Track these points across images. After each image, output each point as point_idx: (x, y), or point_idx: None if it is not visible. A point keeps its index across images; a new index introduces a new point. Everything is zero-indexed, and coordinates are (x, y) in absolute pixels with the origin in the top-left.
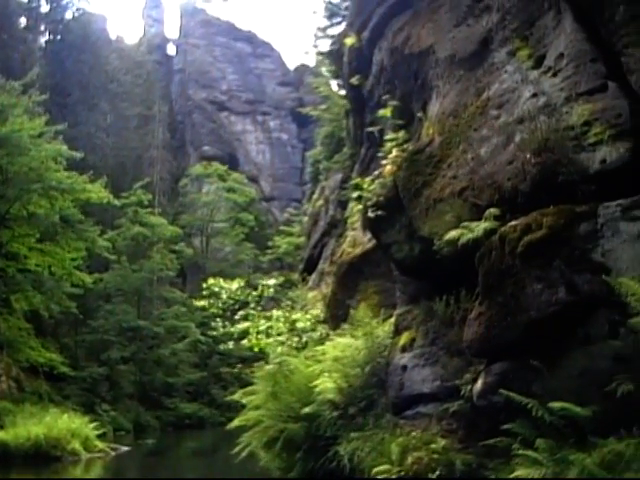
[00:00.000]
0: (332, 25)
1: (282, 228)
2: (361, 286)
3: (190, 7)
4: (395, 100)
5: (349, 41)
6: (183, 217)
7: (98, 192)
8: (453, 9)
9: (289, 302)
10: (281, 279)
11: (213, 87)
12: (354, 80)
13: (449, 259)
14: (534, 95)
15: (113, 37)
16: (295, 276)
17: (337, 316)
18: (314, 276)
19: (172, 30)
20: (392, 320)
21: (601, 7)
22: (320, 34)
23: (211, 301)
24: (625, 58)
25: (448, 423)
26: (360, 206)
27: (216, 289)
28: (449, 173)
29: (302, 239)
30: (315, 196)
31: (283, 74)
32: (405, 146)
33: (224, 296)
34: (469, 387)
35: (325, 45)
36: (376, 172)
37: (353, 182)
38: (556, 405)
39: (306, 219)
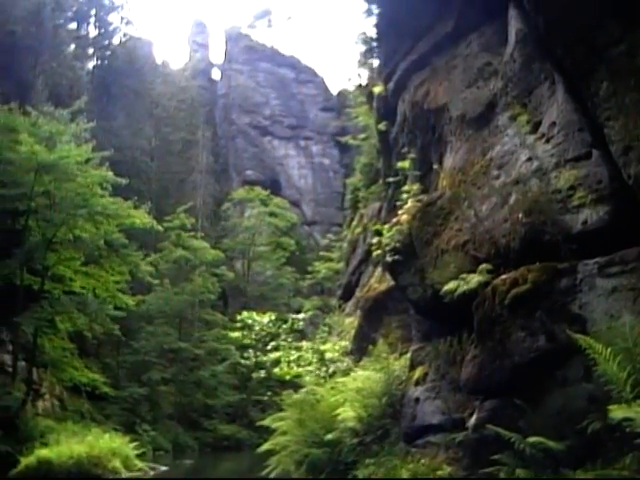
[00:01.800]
0: (371, 56)
1: (322, 253)
2: (385, 320)
3: (234, 33)
4: (416, 150)
5: (377, 89)
6: (225, 241)
7: (142, 217)
8: (466, 70)
9: (326, 328)
10: (319, 304)
11: (256, 112)
12: (382, 126)
13: (453, 305)
14: (529, 159)
15: (159, 62)
16: (334, 301)
17: (362, 348)
18: (351, 303)
19: (217, 55)
20: (408, 355)
21: (588, 82)
22: (361, 62)
23: (245, 332)
24: (607, 129)
25: (454, 452)
26: (379, 251)
27: (249, 321)
28: (455, 226)
29: (341, 265)
30: (354, 223)
31: (325, 99)
32: (420, 197)
33: (257, 328)
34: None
35: (364, 74)
36: (394, 220)
37: (374, 228)
38: (532, 440)
39: (345, 245)
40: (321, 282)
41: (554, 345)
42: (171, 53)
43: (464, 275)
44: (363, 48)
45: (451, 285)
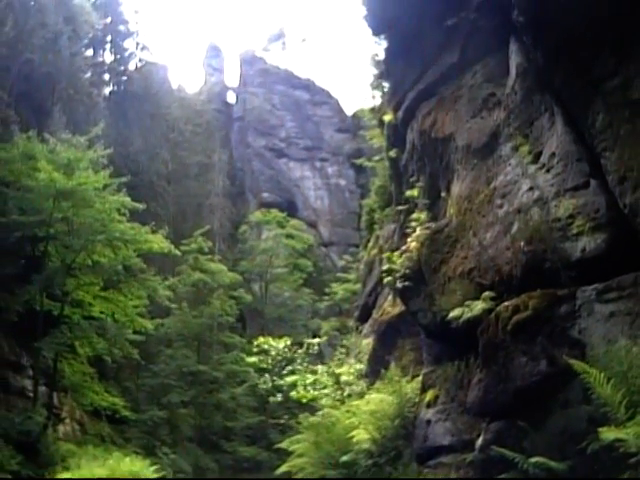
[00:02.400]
0: (383, 79)
1: (339, 275)
2: (399, 343)
3: (249, 56)
4: (425, 177)
5: (387, 117)
6: (242, 263)
7: (160, 242)
8: (470, 101)
9: (343, 350)
10: (337, 325)
11: (272, 134)
12: (392, 153)
13: (460, 330)
14: (530, 188)
15: (175, 86)
16: (351, 322)
17: (376, 371)
18: (368, 324)
19: (232, 79)
20: (420, 378)
21: (585, 114)
22: (373, 84)
23: (261, 357)
24: (604, 160)
25: (465, 472)
26: (390, 277)
27: (266, 347)
28: (461, 253)
29: (358, 286)
30: (370, 244)
31: (341, 121)
32: (428, 225)
33: (273, 353)
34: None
35: (378, 96)
36: (404, 247)
37: (385, 255)
38: (534, 460)
39: (362, 267)
40: (339, 303)
41: (555, 369)
42: (186, 77)
43: (469, 302)
44: (375, 71)
45: (456, 312)
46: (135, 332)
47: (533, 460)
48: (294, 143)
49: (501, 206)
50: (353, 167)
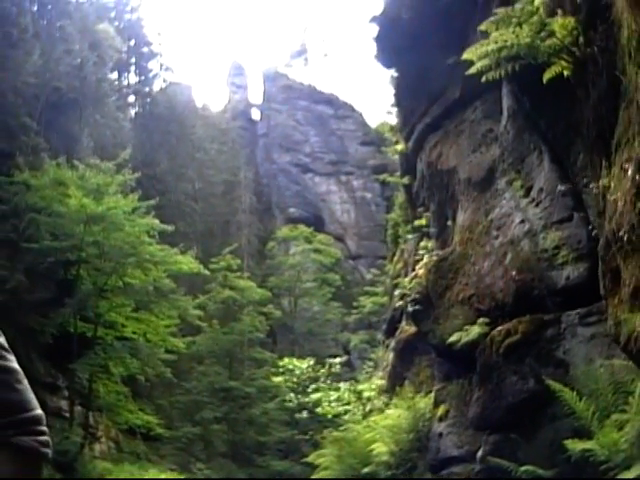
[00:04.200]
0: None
1: (367, 288)
2: (416, 360)
3: (272, 72)
4: (434, 204)
5: (399, 147)
6: (271, 279)
7: (189, 263)
8: (471, 136)
9: (372, 363)
10: (366, 338)
11: (297, 150)
12: (405, 180)
13: (462, 352)
14: (522, 221)
15: (199, 105)
16: (380, 335)
17: (396, 386)
18: (394, 338)
19: (256, 96)
20: (432, 394)
21: (568, 153)
22: (394, 103)
23: (286, 377)
24: (585, 195)
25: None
26: (402, 301)
27: (290, 367)
28: (463, 280)
29: (385, 299)
30: (396, 258)
31: (364, 134)
32: (435, 252)
33: (297, 372)
34: None
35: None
36: (413, 273)
37: (396, 282)
38: (524, 468)
39: (388, 280)
40: (367, 316)
41: (542, 387)
42: (211, 96)
43: (467, 326)
44: (394, 90)
45: (455, 336)
46: (167, 351)
47: (523, 468)
48: (319, 158)
49: (497, 237)
50: (378, 180)
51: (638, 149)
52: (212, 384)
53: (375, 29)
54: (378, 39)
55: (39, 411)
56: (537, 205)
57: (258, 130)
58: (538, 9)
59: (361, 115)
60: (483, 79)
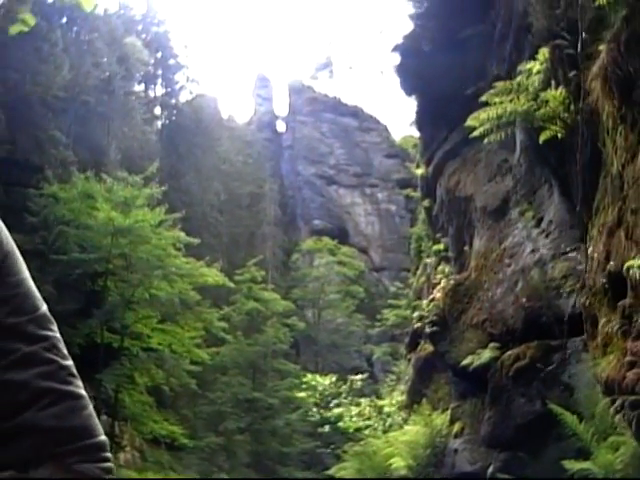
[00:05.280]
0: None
1: (390, 301)
2: (434, 377)
3: (297, 85)
4: (453, 229)
5: (419, 171)
6: (295, 291)
7: (214, 276)
8: (487, 165)
9: (394, 376)
10: (389, 351)
11: (322, 162)
12: (425, 203)
13: (476, 373)
14: (533, 251)
15: (224, 117)
16: (403, 348)
17: (415, 402)
18: (416, 353)
19: (281, 108)
20: (449, 412)
21: (576, 188)
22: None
23: (309, 393)
24: (590, 229)
25: None
26: (420, 323)
27: (313, 383)
28: (477, 305)
29: (409, 312)
30: (419, 272)
31: (389, 146)
32: (452, 277)
33: (320, 388)
34: None
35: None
36: (430, 296)
37: (414, 304)
38: None
39: (411, 294)
40: (390, 329)
41: (548, 409)
42: (236, 107)
43: (480, 350)
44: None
45: (468, 359)
46: (192, 362)
47: None
48: (343, 170)
49: (509, 265)
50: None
51: (610, 217)
52: (236, 395)
53: (397, 58)
54: (400, 68)
55: (103, 437)
56: (547, 236)
57: (283, 142)
58: (533, 82)
59: (386, 128)
60: (485, 141)
